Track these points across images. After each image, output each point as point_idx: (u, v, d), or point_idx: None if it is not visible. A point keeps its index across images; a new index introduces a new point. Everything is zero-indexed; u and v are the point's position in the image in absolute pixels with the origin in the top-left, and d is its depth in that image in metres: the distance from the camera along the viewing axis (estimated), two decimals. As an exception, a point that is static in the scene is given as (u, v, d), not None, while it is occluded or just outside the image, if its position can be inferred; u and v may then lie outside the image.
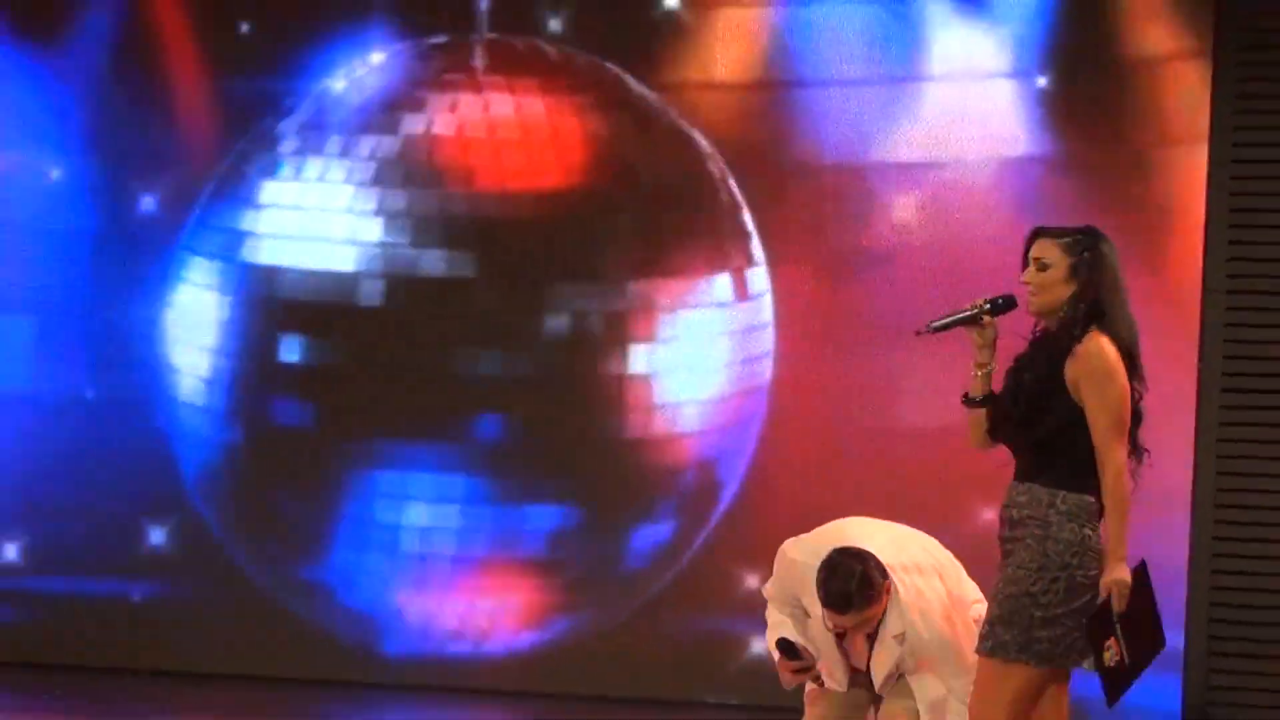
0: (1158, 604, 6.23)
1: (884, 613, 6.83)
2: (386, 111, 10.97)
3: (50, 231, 11.15)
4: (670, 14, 10.72)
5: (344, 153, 10.95)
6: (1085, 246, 6.26)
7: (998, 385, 6.33)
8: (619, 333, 10.71)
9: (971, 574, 6.96)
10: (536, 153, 10.81)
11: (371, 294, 10.91)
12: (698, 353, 10.66)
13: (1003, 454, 6.36)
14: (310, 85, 11.03)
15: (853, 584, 6.67)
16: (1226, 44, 10.19)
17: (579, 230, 10.76)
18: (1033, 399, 6.18)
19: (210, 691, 10.63)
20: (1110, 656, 6.11)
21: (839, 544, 6.80)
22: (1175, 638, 9.68)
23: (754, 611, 7.31)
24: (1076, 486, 6.17)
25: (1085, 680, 6.29)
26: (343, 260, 10.91)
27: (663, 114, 10.72)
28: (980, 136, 10.46)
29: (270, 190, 11.00)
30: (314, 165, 10.99)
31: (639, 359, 10.71)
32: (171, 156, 11.08)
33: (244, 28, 11.06)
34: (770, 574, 7.19)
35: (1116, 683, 6.16)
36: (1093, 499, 6.16)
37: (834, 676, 7.00)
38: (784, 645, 6.94)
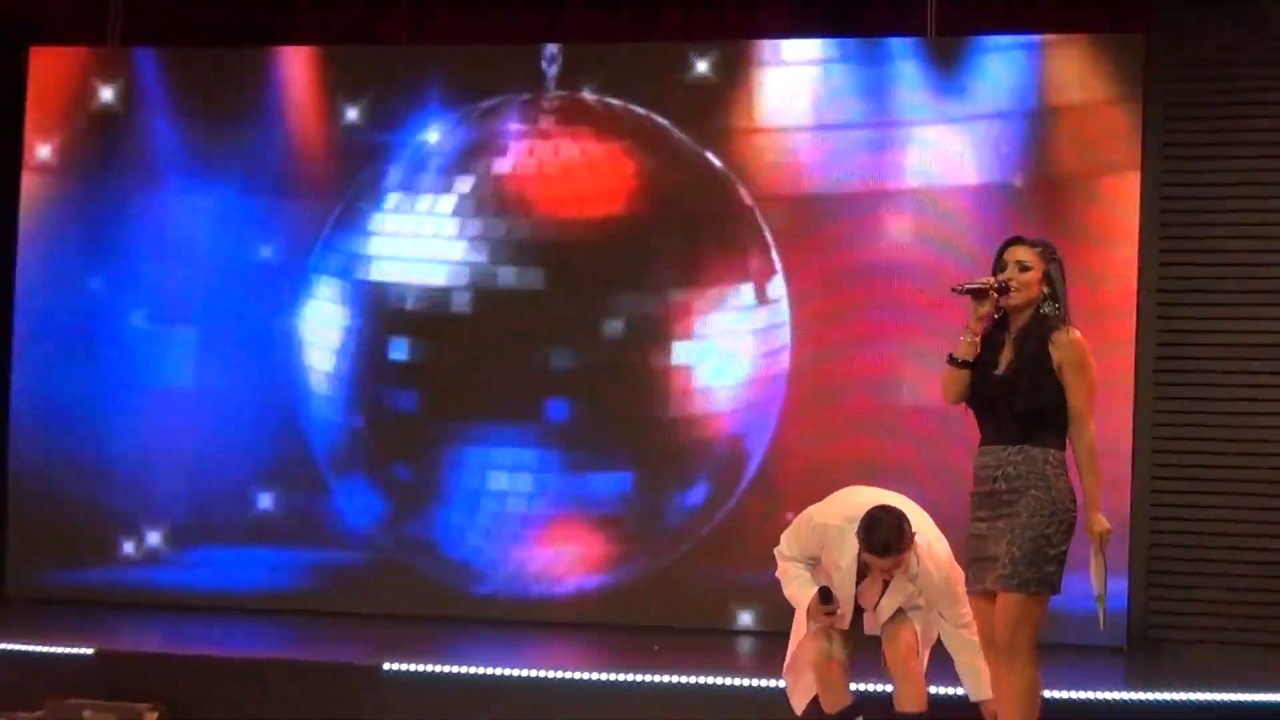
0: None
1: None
2: (474, 156, 10.90)
3: (210, 261, 11.11)
4: (702, 76, 10.66)
5: (438, 189, 10.90)
6: (1053, 255, 6.37)
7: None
8: (663, 331, 10.64)
9: (948, 521, 7.07)
10: (595, 187, 10.76)
11: (461, 303, 10.86)
12: (727, 347, 10.60)
13: (970, 417, 6.40)
14: (410, 137, 10.96)
15: (893, 535, 6.79)
16: (1154, 91, 10.12)
17: (629, 249, 10.71)
18: (1033, 378, 6.20)
19: (346, 625, 10.56)
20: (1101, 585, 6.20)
21: (860, 506, 6.88)
22: (1120, 573, 9.64)
23: (773, 559, 7.27)
24: (1057, 445, 6.24)
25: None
26: (438, 276, 10.85)
27: (697, 155, 10.64)
28: (955, 172, 10.38)
29: (379, 221, 10.98)
30: (415, 200, 10.94)
31: (679, 353, 10.63)
32: (299, 197, 11.05)
33: (351, 114, 11.05)
34: (783, 536, 7.24)
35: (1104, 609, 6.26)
36: (1064, 455, 6.25)
37: (843, 616, 7.10)
38: (825, 594, 6.98)
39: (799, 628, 7.25)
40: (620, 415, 10.73)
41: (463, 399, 10.86)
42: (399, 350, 10.94)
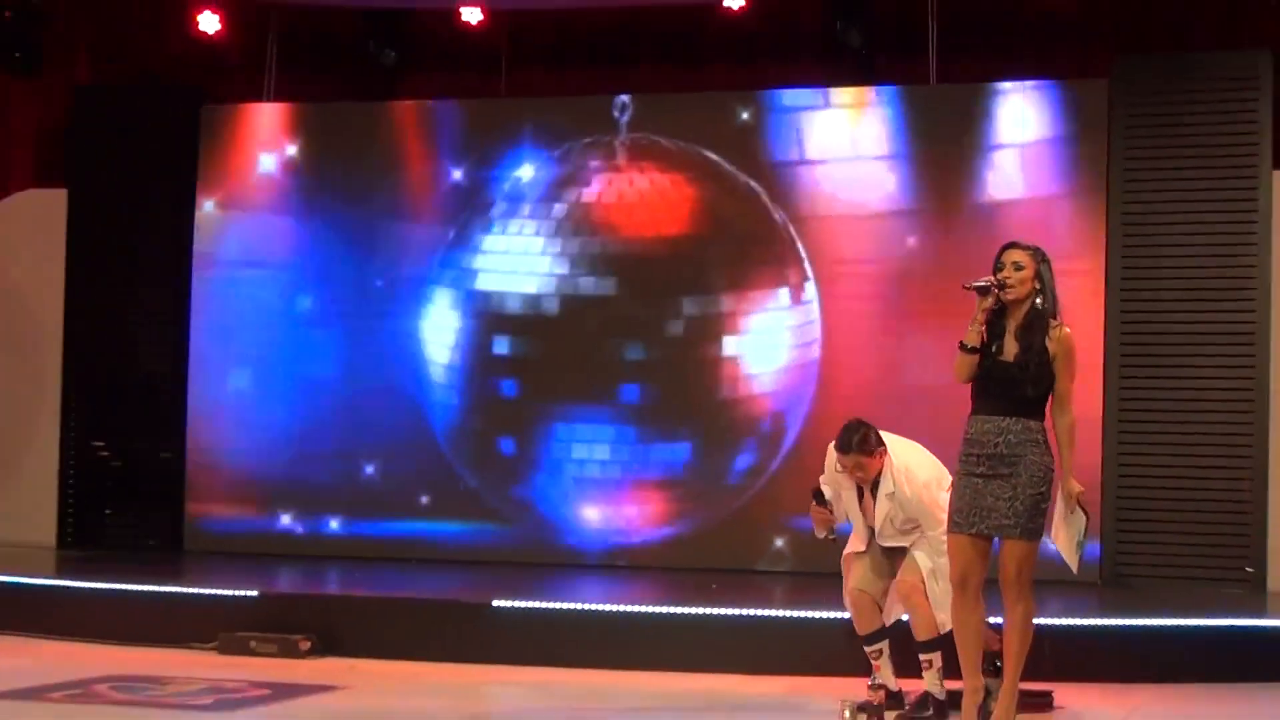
0: None
1: (880, 473, 6.89)
2: (560, 187, 10.92)
3: (351, 277, 11.21)
4: (745, 121, 10.66)
5: (532, 215, 10.92)
6: (1043, 257, 6.33)
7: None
8: (715, 329, 10.60)
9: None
10: (660, 211, 10.76)
11: (550, 307, 10.86)
12: (769, 341, 10.55)
13: (966, 395, 6.33)
14: (509, 173, 10.98)
15: (855, 436, 6.84)
16: (1115, 126, 10.00)
17: (688, 261, 10.68)
18: (1037, 368, 6.18)
19: (460, 571, 10.58)
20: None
21: None
22: (1093, 519, 9.71)
23: (809, 514, 7.16)
24: (1042, 418, 6.25)
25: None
26: (532, 285, 10.87)
27: (743, 183, 10.62)
28: (957, 193, 10.32)
29: (486, 241, 11.00)
30: (512, 225, 10.96)
31: (730, 346, 10.58)
32: (421, 224, 11.07)
33: (462, 156, 11.04)
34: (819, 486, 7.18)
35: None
36: (1046, 425, 6.25)
37: (859, 535, 7.04)
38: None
39: (845, 561, 7.16)
40: (681, 397, 10.71)
41: (553, 385, 10.86)
42: (501, 346, 10.96)
